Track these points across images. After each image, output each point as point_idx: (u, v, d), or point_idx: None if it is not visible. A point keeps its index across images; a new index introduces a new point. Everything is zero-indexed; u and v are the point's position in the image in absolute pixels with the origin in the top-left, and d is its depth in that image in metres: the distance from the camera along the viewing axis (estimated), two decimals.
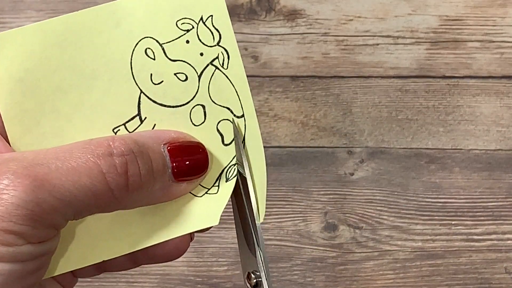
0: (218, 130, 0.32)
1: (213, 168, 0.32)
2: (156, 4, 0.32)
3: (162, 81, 0.32)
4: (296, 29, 0.63)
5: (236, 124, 0.32)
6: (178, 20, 0.32)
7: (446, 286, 0.59)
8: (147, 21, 0.32)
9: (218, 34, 0.32)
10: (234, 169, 0.32)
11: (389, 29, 0.64)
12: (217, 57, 0.32)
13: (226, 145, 0.32)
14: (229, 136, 0.32)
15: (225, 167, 0.32)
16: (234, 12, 0.62)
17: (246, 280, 0.32)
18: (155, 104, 0.32)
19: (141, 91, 0.32)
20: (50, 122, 0.31)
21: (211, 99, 0.32)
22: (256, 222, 0.31)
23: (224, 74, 0.32)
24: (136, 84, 0.32)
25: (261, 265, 0.31)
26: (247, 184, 0.32)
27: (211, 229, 0.32)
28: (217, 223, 0.31)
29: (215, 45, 0.32)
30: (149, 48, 0.32)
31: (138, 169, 0.29)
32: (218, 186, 0.32)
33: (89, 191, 0.27)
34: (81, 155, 0.28)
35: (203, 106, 0.32)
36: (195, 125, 0.32)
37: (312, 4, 0.64)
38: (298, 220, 0.60)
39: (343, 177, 0.61)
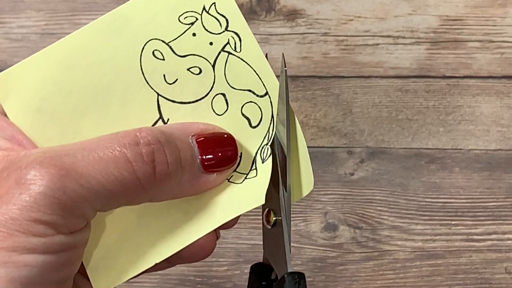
0: (243, 114, 0.32)
1: (246, 153, 0.32)
2: (154, 5, 0.31)
3: (177, 79, 0.31)
4: (296, 29, 0.63)
5: (259, 105, 0.32)
6: (180, 16, 0.31)
7: (446, 286, 0.59)
8: (149, 23, 0.31)
9: (224, 19, 0.31)
10: (268, 149, 0.32)
11: (389, 29, 0.64)
12: (228, 42, 0.31)
13: (254, 127, 0.32)
14: (255, 118, 0.32)
15: (258, 149, 0.32)
16: None
17: (264, 217, 0.32)
18: (175, 104, 0.31)
19: (158, 94, 0.31)
20: None
21: (229, 85, 0.32)
22: (288, 161, 0.31)
23: (238, 57, 0.32)
24: (152, 88, 0.31)
25: (283, 204, 0.31)
26: (284, 126, 0.31)
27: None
28: (263, 202, 0.30)
29: (223, 31, 0.31)
30: (156, 49, 0.31)
31: (165, 157, 0.29)
32: (256, 169, 0.32)
33: (116, 180, 0.27)
34: (107, 145, 0.28)
35: (223, 94, 0.32)
36: (219, 114, 0.32)
37: (312, 4, 0.64)
38: (298, 220, 0.60)
39: (343, 177, 0.61)
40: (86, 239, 0.29)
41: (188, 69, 0.31)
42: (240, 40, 0.32)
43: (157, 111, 0.31)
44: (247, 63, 0.32)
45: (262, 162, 0.32)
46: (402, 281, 0.59)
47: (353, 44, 0.63)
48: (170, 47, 0.31)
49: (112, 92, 0.31)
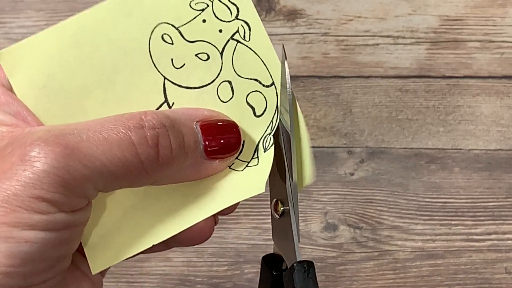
0: (248, 103, 0.32)
1: (249, 141, 0.32)
2: None
3: (184, 64, 0.31)
4: (296, 29, 0.63)
5: (265, 95, 0.32)
6: (191, 1, 0.31)
7: (446, 286, 0.59)
8: (160, 7, 0.31)
9: (235, 7, 0.32)
10: (270, 138, 0.32)
11: (389, 29, 0.64)
12: (237, 31, 0.32)
13: (258, 116, 0.32)
14: (260, 107, 0.32)
15: (261, 138, 0.32)
16: None
17: (272, 207, 0.32)
18: (181, 88, 0.31)
19: (165, 78, 0.31)
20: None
21: (236, 73, 0.32)
22: (292, 151, 0.31)
23: (247, 46, 0.32)
24: (159, 71, 0.31)
25: (290, 194, 0.31)
26: (289, 114, 0.31)
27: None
28: (263, 190, 0.31)
29: (233, 20, 0.32)
30: (165, 33, 0.31)
31: (169, 142, 0.29)
32: (258, 157, 0.32)
33: (120, 161, 0.28)
34: (112, 127, 0.28)
35: (230, 82, 0.32)
36: (223, 102, 0.32)
37: (312, 4, 0.64)
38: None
39: (343, 177, 0.61)
40: (87, 218, 0.29)
41: (196, 55, 0.31)
42: (249, 29, 0.32)
43: (163, 95, 0.31)
44: (255, 53, 0.32)
45: (264, 151, 0.32)
46: (402, 281, 0.59)
47: (353, 44, 0.63)
48: (180, 32, 0.31)
49: (119, 72, 0.31)
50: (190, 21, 0.31)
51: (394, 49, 0.63)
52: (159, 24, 0.31)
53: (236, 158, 0.32)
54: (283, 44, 0.33)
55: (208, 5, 0.31)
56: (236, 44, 0.32)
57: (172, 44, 0.31)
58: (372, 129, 0.62)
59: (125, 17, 0.31)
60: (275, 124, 0.32)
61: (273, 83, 0.32)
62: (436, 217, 0.60)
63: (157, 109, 0.31)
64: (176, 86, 0.31)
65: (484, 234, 0.60)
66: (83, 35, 0.31)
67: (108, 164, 0.27)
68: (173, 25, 0.31)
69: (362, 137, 0.62)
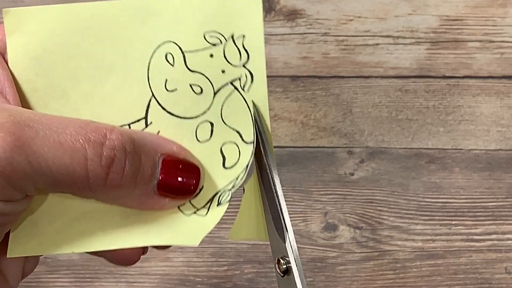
0: (221, 152, 0.31)
1: (207, 189, 0.31)
2: (188, 10, 0.31)
3: (176, 89, 0.31)
4: (296, 29, 0.63)
5: (240, 150, 0.31)
6: (206, 32, 0.31)
7: (446, 286, 0.59)
8: (174, 25, 0.31)
9: (246, 55, 0.31)
10: (229, 195, 0.31)
11: (389, 29, 0.64)
12: (239, 78, 0.31)
13: (226, 168, 0.31)
14: (231, 160, 0.31)
15: (220, 190, 0.31)
16: None
17: (276, 265, 0.31)
18: (164, 111, 0.31)
19: (153, 95, 0.31)
20: (57, 107, 0.31)
21: (222, 118, 0.31)
22: (283, 209, 0.30)
23: (242, 96, 0.31)
24: (150, 86, 0.31)
25: (290, 251, 0.30)
26: (272, 175, 0.30)
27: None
28: (196, 245, 0.30)
29: (240, 66, 0.31)
30: (170, 53, 0.31)
31: (122, 168, 0.28)
32: (208, 209, 0.31)
33: (66, 170, 0.27)
34: (73, 133, 0.27)
35: (212, 124, 0.31)
36: (199, 141, 0.31)
37: (312, 4, 0.64)
38: (298, 220, 0.60)
39: (343, 177, 0.61)
40: (22, 210, 0.29)
41: (190, 85, 0.31)
42: (252, 81, 0.31)
43: (145, 110, 0.31)
44: (247, 106, 0.31)
45: (217, 205, 0.31)
46: (402, 281, 0.59)
47: (353, 44, 0.63)
48: (184, 57, 0.31)
49: (113, 73, 0.31)
50: (198, 50, 0.31)
51: (394, 49, 0.63)
52: (168, 41, 0.31)
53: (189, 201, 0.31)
54: (253, 101, 0.31)
55: (221, 42, 0.31)
56: (233, 91, 0.31)
57: (173, 65, 0.31)
58: (372, 129, 0.62)
59: (140, 24, 0.31)
60: (239, 183, 0.31)
61: (253, 142, 0.31)
62: (436, 217, 0.60)
63: (134, 122, 0.31)
64: (160, 107, 0.31)
65: (484, 234, 0.60)
66: (92, 24, 0.30)
67: (54, 169, 0.27)
68: (180, 48, 0.31)
69: (362, 137, 0.62)
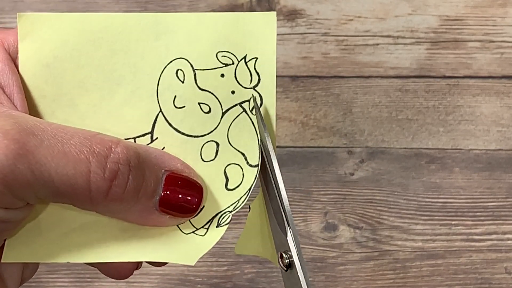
0: (225, 173, 0.31)
1: (208, 209, 0.31)
2: (202, 29, 0.31)
3: (184, 106, 0.31)
4: (296, 29, 0.63)
5: (244, 172, 0.31)
6: (219, 52, 0.31)
7: (446, 286, 0.59)
8: (187, 43, 0.31)
9: (257, 78, 0.31)
10: (229, 217, 0.31)
11: (389, 29, 0.64)
12: (248, 101, 0.31)
13: (229, 190, 0.31)
14: (234, 182, 0.31)
15: (221, 212, 0.31)
16: (234, 12, 0.62)
17: (279, 260, 0.31)
18: (170, 127, 0.31)
19: (161, 110, 0.31)
20: (64, 116, 0.31)
21: (228, 139, 0.31)
22: (285, 203, 0.30)
23: (250, 119, 0.31)
24: (158, 102, 0.31)
25: (293, 245, 0.30)
26: (274, 169, 0.30)
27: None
28: (192, 264, 0.29)
29: (250, 88, 0.31)
30: (181, 69, 0.31)
31: (126, 182, 0.28)
32: (207, 229, 0.31)
33: (69, 181, 0.27)
34: (78, 144, 0.27)
35: (217, 144, 0.31)
36: (203, 160, 0.31)
37: (312, 4, 0.64)
38: (298, 220, 0.60)
39: (343, 177, 0.61)
40: (22, 218, 0.28)
41: (199, 103, 0.31)
42: (261, 104, 0.31)
43: (151, 126, 0.31)
44: (255, 129, 0.31)
45: (217, 226, 0.31)
46: (402, 281, 0.59)
47: (353, 44, 0.63)
48: (195, 75, 0.31)
49: (122, 85, 0.31)
50: (209, 69, 0.31)
51: (394, 49, 0.63)
52: (180, 58, 0.31)
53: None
54: (253, 94, 0.31)
55: (233, 63, 0.31)
56: (241, 112, 0.31)
57: (183, 82, 0.31)
58: (372, 129, 0.62)
59: (153, 38, 0.31)
60: (240, 205, 0.31)
61: (257, 165, 0.31)
62: (436, 217, 0.60)
63: (139, 136, 0.31)
64: (167, 124, 0.31)
65: (484, 234, 0.60)
66: (105, 35, 0.30)
67: (56, 179, 0.26)
68: (192, 65, 0.31)
69: (362, 137, 0.62)
